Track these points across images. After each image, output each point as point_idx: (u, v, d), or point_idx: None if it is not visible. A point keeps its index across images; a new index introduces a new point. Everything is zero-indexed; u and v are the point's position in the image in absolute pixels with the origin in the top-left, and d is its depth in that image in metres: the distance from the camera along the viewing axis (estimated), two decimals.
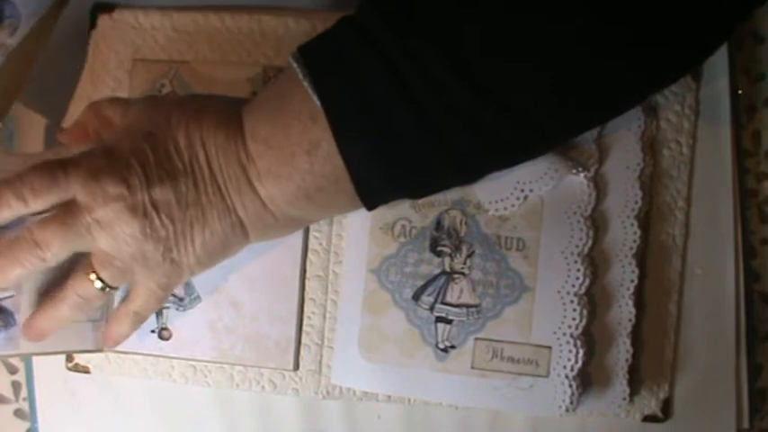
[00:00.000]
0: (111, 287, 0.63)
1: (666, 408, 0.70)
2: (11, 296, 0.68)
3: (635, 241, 0.69)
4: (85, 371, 0.72)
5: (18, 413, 0.75)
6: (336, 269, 0.71)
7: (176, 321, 0.71)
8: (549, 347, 0.68)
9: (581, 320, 0.67)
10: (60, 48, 0.73)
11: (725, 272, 0.71)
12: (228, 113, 0.62)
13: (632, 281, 0.69)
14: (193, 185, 0.61)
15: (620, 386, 0.69)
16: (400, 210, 0.69)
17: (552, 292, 0.68)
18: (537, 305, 0.68)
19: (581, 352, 0.67)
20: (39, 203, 0.60)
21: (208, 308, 0.71)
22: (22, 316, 0.66)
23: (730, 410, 0.71)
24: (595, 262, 0.69)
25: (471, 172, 0.63)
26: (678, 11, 0.56)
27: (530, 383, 0.68)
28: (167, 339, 0.72)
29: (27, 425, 0.74)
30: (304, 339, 0.71)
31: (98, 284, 0.62)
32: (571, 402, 0.67)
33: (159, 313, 0.71)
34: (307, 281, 0.71)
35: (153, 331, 0.72)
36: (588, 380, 0.69)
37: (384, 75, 0.57)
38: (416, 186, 0.63)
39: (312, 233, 0.71)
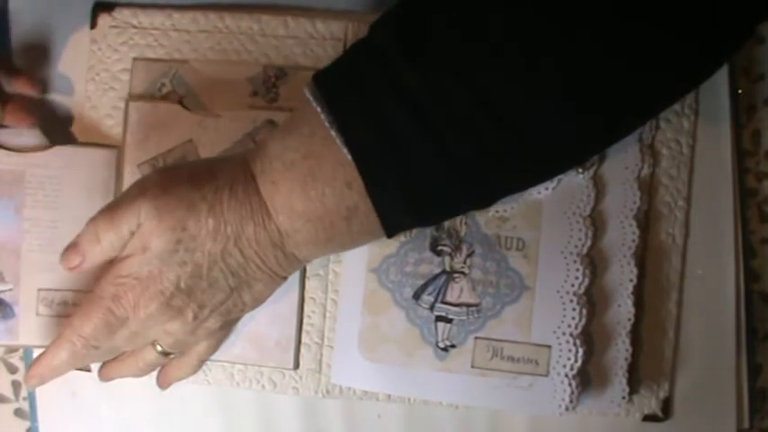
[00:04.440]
0: (171, 353, 0.67)
1: (666, 407, 0.70)
2: (10, 289, 0.68)
3: (634, 241, 0.69)
4: (86, 370, 0.72)
5: (18, 413, 0.74)
6: (336, 268, 0.71)
7: None
8: (549, 347, 0.68)
9: (580, 320, 0.67)
10: (60, 47, 0.73)
11: (725, 272, 0.71)
12: (242, 187, 0.62)
13: (631, 280, 0.69)
14: (232, 275, 0.62)
15: (620, 385, 0.69)
16: None
17: (552, 292, 0.68)
18: (537, 304, 0.68)
19: (581, 351, 0.67)
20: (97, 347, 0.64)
21: None
22: (21, 308, 0.68)
23: (730, 410, 0.71)
24: (595, 262, 0.69)
25: (495, 199, 0.62)
26: (701, 8, 0.55)
27: (529, 382, 0.68)
28: None
29: (27, 424, 0.74)
30: (304, 338, 0.71)
31: (158, 348, 0.66)
32: (571, 401, 0.67)
33: None
34: (307, 280, 0.71)
35: None
36: (588, 379, 0.69)
37: (411, 119, 0.56)
38: (440, 218, 0.66)
39: None
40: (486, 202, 0.62)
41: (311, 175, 0.59)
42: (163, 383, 0.70)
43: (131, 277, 0.62)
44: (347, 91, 0.58)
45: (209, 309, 0.63)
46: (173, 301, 0.62)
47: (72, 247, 0.64)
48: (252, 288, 0.64)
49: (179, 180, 0.62)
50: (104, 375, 0.69)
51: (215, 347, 0.69)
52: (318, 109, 0.58)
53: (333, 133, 0.58)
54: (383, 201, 0.59)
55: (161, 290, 0.61)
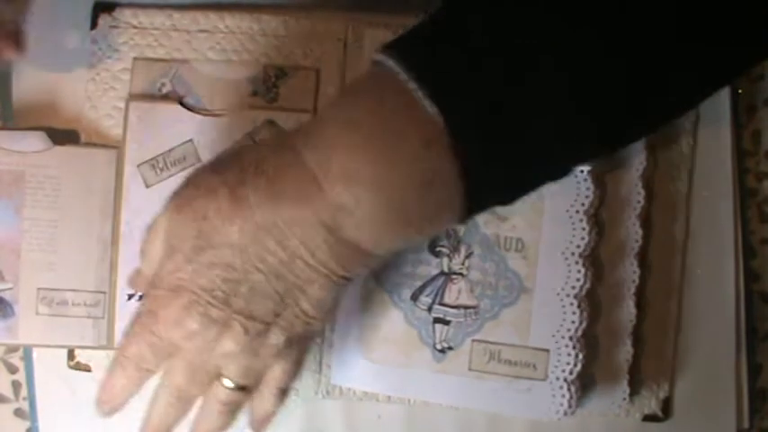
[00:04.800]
0: (245, 386, 0.58)
1: (666, 407, 0.70)
2: (9, 288, 0.69)
3: (637, 241, 0.69)
4: (86, 369, 0.72)
5: (18, 413, 0.75)
6: None
7: None
8: (547, 350, 0.67)
9: (580, 323, 0.67)
10: (60, 46, 0.73)
11: (725, 272, 0.71)
12: (273, 162, 0.52)
13: (634, 281, 0.69)
14: (275, 277, 0.53)
15: (621, 386, 0.69)
16: None
17: (551, 294, 0.68)
18: (536, 307, 0.68)
19: (580, 355, 0.67)
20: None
21: None
22: (20, 307, 0.68)
23: (730, 410, 0.71)
24: (596, 262, 0.69)
25: (566, 174, 0.56)
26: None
27: (527, 386, 0.68)
28: None
29: (27, 424, 0.74)
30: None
31: (226, 382, 0.57)
32: (569, 406, 0.67)
33: None
34: None
35: None
36: (589, 380, 0.69)
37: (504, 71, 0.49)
38: (524, 191, 0.56)
39: None
40: (561, 176, 0.56)
41: (379, 133, 0.50)
42: (256, 427, 0.61)
43: (165, 289, 0.54)
44: (426, 47, 0.51)
45: (262, 321, 0.54)
46: (211, 312, 0.53)
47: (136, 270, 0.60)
48: (306, 293, 0.53)
49: (202, 169, 0.56)
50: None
51: (294, 372, 0.59)
52: (391, 62, 0.50)
53: (411, 85, 0.49)
54: (472, 161, 0.49)
55: (194, 300, 0.53)
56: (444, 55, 0.50)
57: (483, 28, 0.50)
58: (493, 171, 0.51)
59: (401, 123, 0.49)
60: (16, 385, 0.75)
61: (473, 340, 0.68)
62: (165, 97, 0.72)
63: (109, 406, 0.60)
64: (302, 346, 0.59)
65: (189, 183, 0.55)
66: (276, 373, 0.58)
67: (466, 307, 0.69)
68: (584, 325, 0.67)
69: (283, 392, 0.60)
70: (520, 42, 0.50)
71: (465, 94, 0.49)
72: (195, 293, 0.53)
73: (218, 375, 0.57)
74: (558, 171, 0.56)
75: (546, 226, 0.68)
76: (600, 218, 0.69)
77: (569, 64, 0.50)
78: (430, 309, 0.69)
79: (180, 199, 0.55)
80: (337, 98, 0.54)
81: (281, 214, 0.51)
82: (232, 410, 0.59)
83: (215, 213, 0.52)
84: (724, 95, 0.70)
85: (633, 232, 0.69)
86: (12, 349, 0.74)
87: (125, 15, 0.73)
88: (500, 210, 0.68)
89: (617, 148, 0.60)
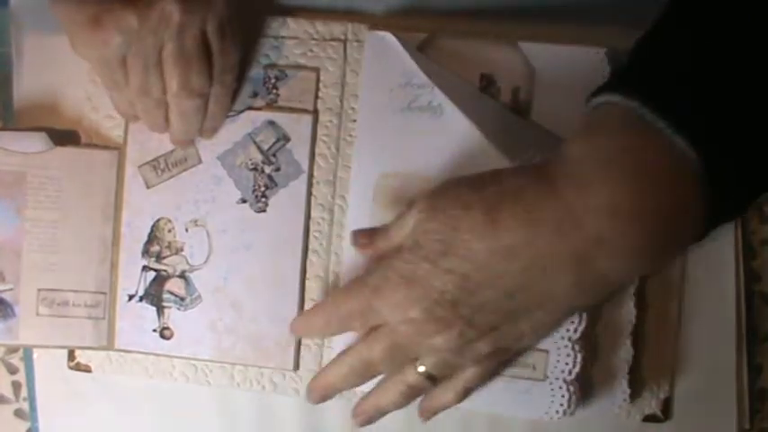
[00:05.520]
0: (436, 377, 0.62)
1: (667, 408, 0.70)
2: (10, 289, 0.69)
3: None
4: (87, 370, 0.72)
5: (18, 413, 0.75)
6: (336, 270, 0.71)
7: (177, 321, 0.71)
8: (547, 351, 0.67)
9: (579, 324, 0.67)
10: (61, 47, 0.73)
11: (725, 272, 0.71)
12: (533, 193, 0.55)
13: (633, 281, 0.69)
14: (508, 298, 0.57)
15: (621, 386, 0.69)
16: (400, 210, 0.69)
17: None
18: None
19: (579, 356, 0.67)
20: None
21: (209, 308, 0.71)
22: (21, 308, 0.69)
23: (730, 410, 0.71)
24: None
25: None
26: None
27: (527, 387, 0.67)
28: (168, 339, 0.72)
29: (27, 425, 0.74)
30: (304, 339, 0.71)
31: (421, 369, 0.62)
32: (568, 407, 0.67)
33: (161, 313, 0.71)
34: (307, 281, 0.71)
35: (154, 331, 0.72)
36: (589, 380, 0.69)
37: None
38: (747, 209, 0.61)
39: (312, 234, 0.71)
40: None
41: (634, 170, 0.53)
42: (424, 413, 0.66)
43: (397, 274, 0.59)
44: (658, 80, 0.54)
45: (478, 331, 0.58)
46: (436, 310, 0.58)
47: (369, 231, 0.65)
48: (532, 316, 0.57)
49: (459, 182, 0.59)
50: (362, 411, 0.66)
51: (484, 378, 0.63)
52: (636, 104, 0.53)
53: (660, 124, 0.52)
54: (721, 188, 0.53)
55: (424, 295, 0.58)
56: (691, 94, 0.53)
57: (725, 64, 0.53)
58: (737, 199, 0.55)
59: (654, 158, 0.52)
60: (16, 386, 0.75)
61: None
62: None
63: (301, 332, 0.68)
64: (503, 359, 0.63)
65: (447, 192, 0.59)
66: (468, 374, 0.62)
67: None
68: (583, 326, 0.67)
69: (467, 392, 0.64)
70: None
71: (716, 130, 0.52)
72: (426, 290, 0.57)
73: (414, 360, 0.61)
74: None
75: None
76: None
77: None
78: None
79: (436, 204, 0.58)
80: (579, 135, 0.56)
81: (534, 243, 0.54)
82: (413, 394, 0.64)
83: (467, 228, 0.56)
84: None
85: None
86: (12, 350, 0.74)
87: None
88: None
89: None
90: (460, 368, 0.62)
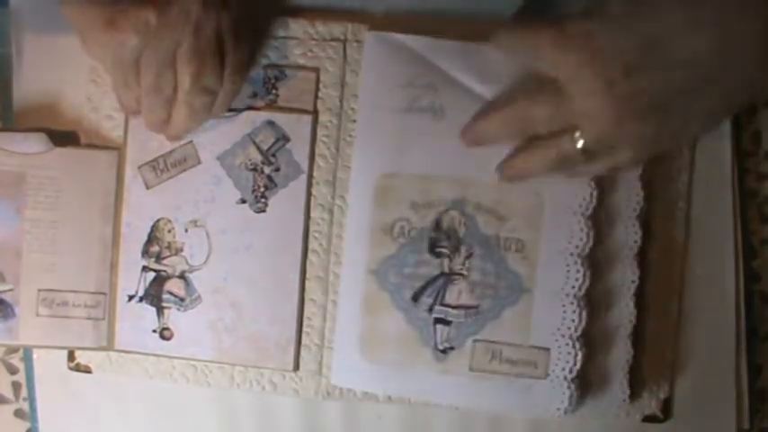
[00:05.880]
0: (589, 152, 0.62)
1: (666, 408, 0.71)
2: (10, 289, 0.69)
3: (636, 242, 0.69)
4: (87, 370, 0.72)
5: (18, 413, 0.75)
6: (336, 270, 0.71)
7: (177, 322, 0.71)
8: (548, 349, 0.68)
9: (580, 322, 0.67)
10: (62, 48, 0.73)
11: (725, 272, 0.71)
12: None
13: (633, 281, 0.69)
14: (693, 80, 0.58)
15: (621, 386, 0.69)
16: (399, 210, 0.69)
17: (551, 294, 0.68)
18: (536, 307, 0.68)
19: (580, 354, 0.67)
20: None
21: (208, 308, 0.71)
22: (21, 309, 0.68)
23: (730, 410, 0.71)
24: (596, 263, 0.69)
25: None
26: None
27: (528, 385, 0.68)
28: (168, 339, 0.72)
29: (27, 425, 0.74)
30: (304, 340, 0.71)
31: (579, 141, 0.62)
32: (570, 404, 0.67)
33: (160, 313, 0.71)
34: (307, 281, 0.71)
35: (154, 331, 0.72)
36: (589, 380, 0.69)
37: None
38: None
39: (312, 234, 0.71)
40: None
41: None
42: (564, 174, 0.66)
43: (582, 39, 0.59)
44: None
45: (647, 107, 0.59)
46: (614, 79, 0.58)
47: None
48: (702, 98, 0.59)
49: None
50: (510, 167, 0.67)
51: (635, 160, 0.64)
52: None
53: None
54: None
55: (604, 62, 0.59)
56: None
57: None
58: None
59: None
60: (16, 386, 0.75)
61: (474, 340, 0.68)
62: None
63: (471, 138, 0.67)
64: (660, 148, 0.64)
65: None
66: (622, 156, 0.63)
67: (467, 307, 0.69)
68: (583, 324, 0.67)
69: (614, 171, 0.66)
70: None
71: None
72: (607, 60, 0.58)
73: (574, 130, 0.61)
74: None
75: (546, 226, 0.68)
76: (599, 218, 0.69)
77: None
78: (431, 309, 0.69)
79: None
80: None
81: (724, 17, 0.56)
82: (561, 165, 0.64)
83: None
84: None
85: (632, 232, 0.69)
86: (12, 350, 0.74)
87: None
88: (500, 210, 0.68)
89: None
90: (617, 148, 0.62)
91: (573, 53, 0.60)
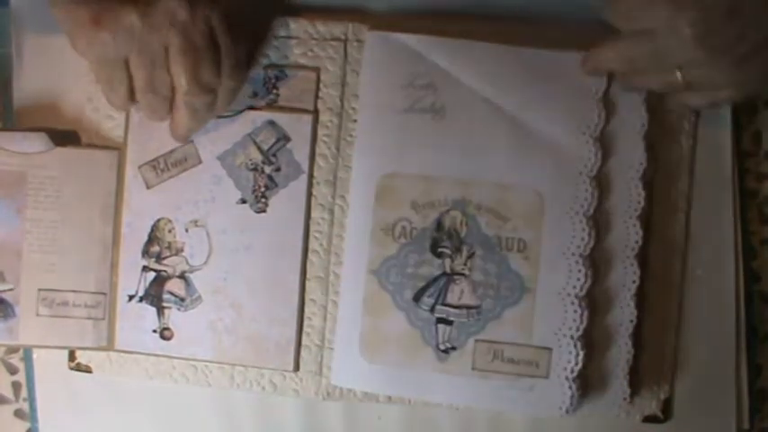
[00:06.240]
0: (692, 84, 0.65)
1: (666, 408, 0.71)
2: (10, 289, 0.69)
3: (637, 242, 0.69)
4: (87, 370, 0.72)
5: (18, 413, 0.75)
6: (337, 270, 0.71)
7: (178, 322, 0.71)
8: (550, 349, 0.68)
9: (581, 322, 0.67)
10: (62, 48, 0.73)
11: (725, 272, 0.71)
12: None
13: (634, 282, 0.69)
14: None
15: (621, 386, 0.69)
16: (401, 211, 0.69)
17: (553, 294, 0.68)
18: (537, 306, 0.68)
19: (581, 353, 0.67)
20: None
21: (209, 309, 0.71)
22: (21, 308, 0.68)
23: (730, 410, 0.71)
24: (597, 263, 0.69)
25: None
26: None
27: (530, 385, 0.68)
28: (169, 339, 0.72)
29: (27, 425, 0.74)
30: (304, 340, 0.71)
31: (679, 76, 0.65)
32: (571, 404, 0.67)
33: (161, 313, 0.71)
34: (307, 282, 0.71)
35: (154, 331, 0.72)
36: (589, 380, 0.69)
37: None
38: None
39: (313, 234, 0.71)
40: None
41: None
42: (666, 106, 0.70)
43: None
44: None
45: (747, 44, 0.62)
46: (710, 16, 0.62)
47: None
48: None
49: None
50: (628, 81, 0.69)
51: (736, 99, 0.67)
52: None
53: None
54: None
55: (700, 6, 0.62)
56: None
57: None
58: None
59: None
60: (16, 386, 0.75)
61: (476, 340, 0.68)
62: None
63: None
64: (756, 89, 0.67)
65: None
66: (723, 94, 0.66)
67: (468, 307, 0.69)
68: (585, 323, 0.67)
69: (712, 105, 0.69)
70: None
71: None
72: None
73: (677, 67, 0.64)
74: None
75: (547, 227, 0.69)
76: (600, 218, 0.69)
77: None
78: (432, 309, 0.69)
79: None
80: None
81: None
82: (665, 86, 0.67)
83: None
84: None
85: (633, 233, 0.69)
86: (12, 350, 0.74)
87: None
88: (501, 211, 0.68)
89: None
90: (720, 86, 0.65)
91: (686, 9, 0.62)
